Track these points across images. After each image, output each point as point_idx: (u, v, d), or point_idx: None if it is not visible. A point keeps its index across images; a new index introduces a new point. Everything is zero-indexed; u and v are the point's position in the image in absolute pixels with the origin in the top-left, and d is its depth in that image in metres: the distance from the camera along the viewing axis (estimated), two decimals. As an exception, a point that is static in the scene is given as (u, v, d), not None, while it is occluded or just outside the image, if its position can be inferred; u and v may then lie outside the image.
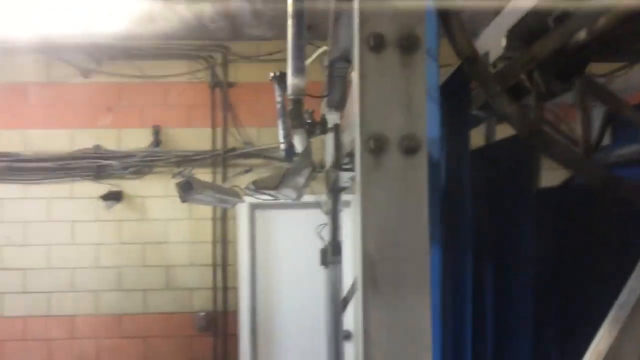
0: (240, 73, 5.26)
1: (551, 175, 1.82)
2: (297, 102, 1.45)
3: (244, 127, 5.19)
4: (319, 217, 3.76)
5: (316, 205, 3.66)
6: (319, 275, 3.76)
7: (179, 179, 2.35)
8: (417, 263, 0.91)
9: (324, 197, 3.74)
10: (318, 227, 3.69)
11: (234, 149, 5.15)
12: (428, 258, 0.93)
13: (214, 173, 5.15)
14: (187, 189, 2.31)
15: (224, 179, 5.08)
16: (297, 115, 1.47)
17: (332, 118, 2.68)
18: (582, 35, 1.28)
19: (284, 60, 5.87)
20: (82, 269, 5.09)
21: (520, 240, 1.27)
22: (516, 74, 1.35)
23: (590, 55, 1.36)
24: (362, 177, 0.93)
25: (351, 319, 4.67)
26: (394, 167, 0.92)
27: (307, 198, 3.91)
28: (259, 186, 2.05)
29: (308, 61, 2.97)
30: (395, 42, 0.92)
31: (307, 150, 1.97)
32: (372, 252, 0.92)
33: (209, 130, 5.21)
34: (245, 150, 5.13)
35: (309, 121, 1.64)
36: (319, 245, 3.67)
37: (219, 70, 5.24)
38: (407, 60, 0.93)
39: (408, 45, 0.92)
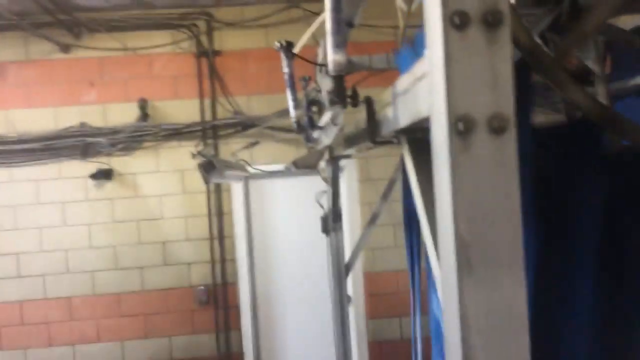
0: (226, 41, 5.12)
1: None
2: (339, 79, 1.40)
3: (233, 96, 5.09)
4: (312, 185, 3.77)
5: (309, 173, 3.65)
6: (316, 242, 3.81)
7: (199, 160, 2.28)
8: (511, 243, 0.90)
9: (322, 165, 3.74)
10: (317, 194, 3.69)
11: (232, 123, 5.05)
12: (521, 238, 0.92)
13: (205, 145, 5.05)
14: (210, 170, 2.24)
15: (216, 150, 5.00)
16: (339, 94, 1.42)
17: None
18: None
19: (270, 25, 5.67)
20: (76, 250, 5.00)
21: (591, 224, 1.25)
22: (567, 55, 1.32)
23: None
24: (452, 159, 0.91)
25: (350, 284, 4.73)
26: (483, 148, 0.90)
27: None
28: (299, 165, 2.01)
29: (310, 30, 2.89)
30: (480, 18, 0.89)
31: (342, 127, 1.92)
32: (464, 235, 0.90)
33: (196, 101, 5.09)
34: (237, 120, 5.05)
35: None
36: (312, 212, 3.68)
37: (204, 39, 5.10)
38: (492, 37, 0.90)
39: (493, 20, 0.90)
